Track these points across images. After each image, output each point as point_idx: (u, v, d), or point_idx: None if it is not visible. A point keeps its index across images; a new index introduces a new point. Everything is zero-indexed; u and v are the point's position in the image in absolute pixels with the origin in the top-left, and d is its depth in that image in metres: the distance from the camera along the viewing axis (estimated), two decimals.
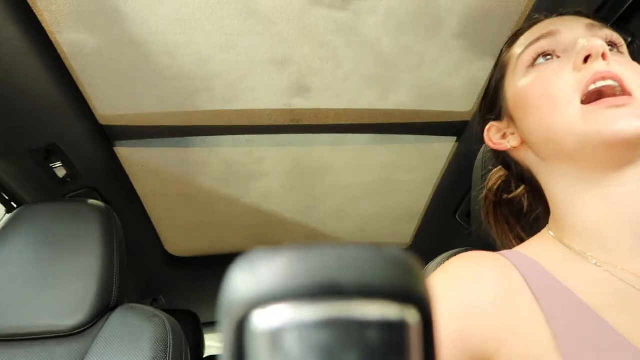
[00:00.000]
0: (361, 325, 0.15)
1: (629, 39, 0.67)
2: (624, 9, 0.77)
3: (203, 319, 2.06)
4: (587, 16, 0.58)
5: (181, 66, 0.95)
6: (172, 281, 1.87)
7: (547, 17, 0.59)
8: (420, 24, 0.91)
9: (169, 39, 0.89)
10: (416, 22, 0.91)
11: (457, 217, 1.41)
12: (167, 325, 0.91)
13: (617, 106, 0.48)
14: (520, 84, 0.56)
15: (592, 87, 0.49)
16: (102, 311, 0.92)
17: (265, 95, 1.04)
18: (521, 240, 0.64)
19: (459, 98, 1.08)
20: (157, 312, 0.94)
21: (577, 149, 0.50)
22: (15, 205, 1.15)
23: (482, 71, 1.03)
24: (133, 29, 0.86)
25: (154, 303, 1.93)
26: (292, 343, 0.15)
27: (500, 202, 0.68)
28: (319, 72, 1.00)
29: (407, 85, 1.06)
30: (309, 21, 0.88)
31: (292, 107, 1.08)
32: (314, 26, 0.89)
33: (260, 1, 0.83)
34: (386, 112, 1.12)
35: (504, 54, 0.61)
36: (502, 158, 0.65)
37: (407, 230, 1.67)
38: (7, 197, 1.13)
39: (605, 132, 0.47)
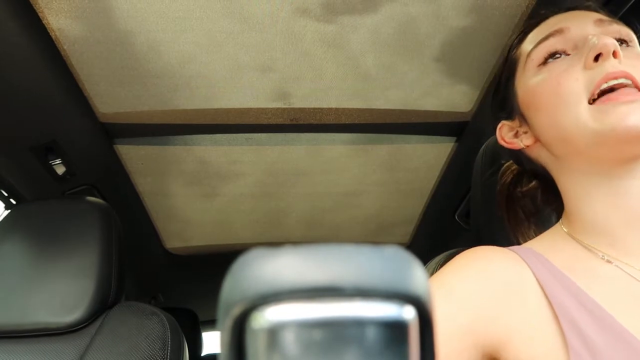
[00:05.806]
0: (360, 324, 0.16)
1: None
2: (631, 2, 0.76)
3: (201, 317, 2.06)
4: (596, 10, 0.57)
5: (174, 64, 0.95)
6: (171, 279, 1.86)
7: (554, 12, 0.59)
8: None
9: (168, 36, 0.89)
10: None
11: (456, 218, 1.41)
12: (166, 323, 0.91)
13: (628, 102, 0.47)
14: (530, 83, 0.55)
15: (604, 85, 0.49)
16: (100, 309, 0.92)
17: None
18: (535, 235, 0.64)
19: (459, 98, 1.08)
20: (156, 310, 0.94)
21: (591, 147, 0.50)
22: (14, 202, 1.15)
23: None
24: (132, 26, 0.86)
25: (152, 301, 1.93)
26: (290, 341, 0.15)
27: (514, 195, 0.67)
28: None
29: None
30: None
31: (292, 106, 1.08)
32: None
33: (251, 5, 0.83)
34: (384, 112, 1.12)
35: (513, 50, 0.61)
36: (515, 155, 0.65)
37: (406, 231, 1.67)
38: (6, 194, 1.13)
39: (619, 128, 0.47)
